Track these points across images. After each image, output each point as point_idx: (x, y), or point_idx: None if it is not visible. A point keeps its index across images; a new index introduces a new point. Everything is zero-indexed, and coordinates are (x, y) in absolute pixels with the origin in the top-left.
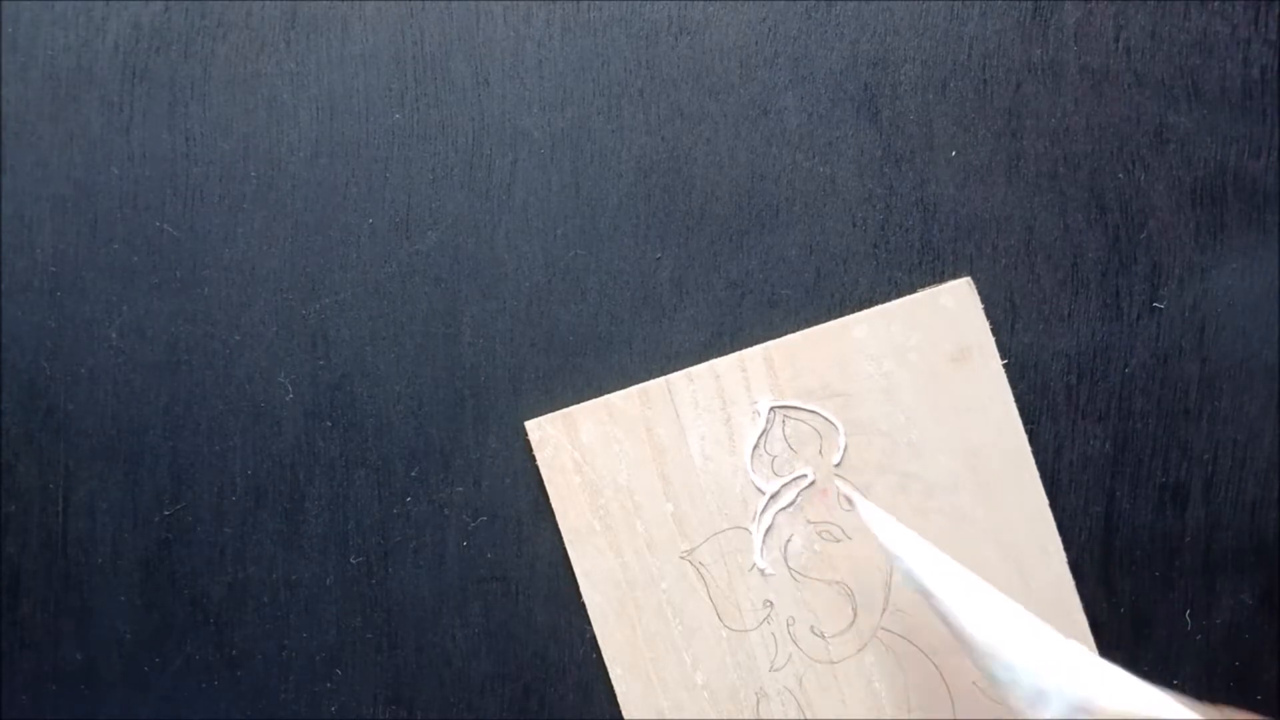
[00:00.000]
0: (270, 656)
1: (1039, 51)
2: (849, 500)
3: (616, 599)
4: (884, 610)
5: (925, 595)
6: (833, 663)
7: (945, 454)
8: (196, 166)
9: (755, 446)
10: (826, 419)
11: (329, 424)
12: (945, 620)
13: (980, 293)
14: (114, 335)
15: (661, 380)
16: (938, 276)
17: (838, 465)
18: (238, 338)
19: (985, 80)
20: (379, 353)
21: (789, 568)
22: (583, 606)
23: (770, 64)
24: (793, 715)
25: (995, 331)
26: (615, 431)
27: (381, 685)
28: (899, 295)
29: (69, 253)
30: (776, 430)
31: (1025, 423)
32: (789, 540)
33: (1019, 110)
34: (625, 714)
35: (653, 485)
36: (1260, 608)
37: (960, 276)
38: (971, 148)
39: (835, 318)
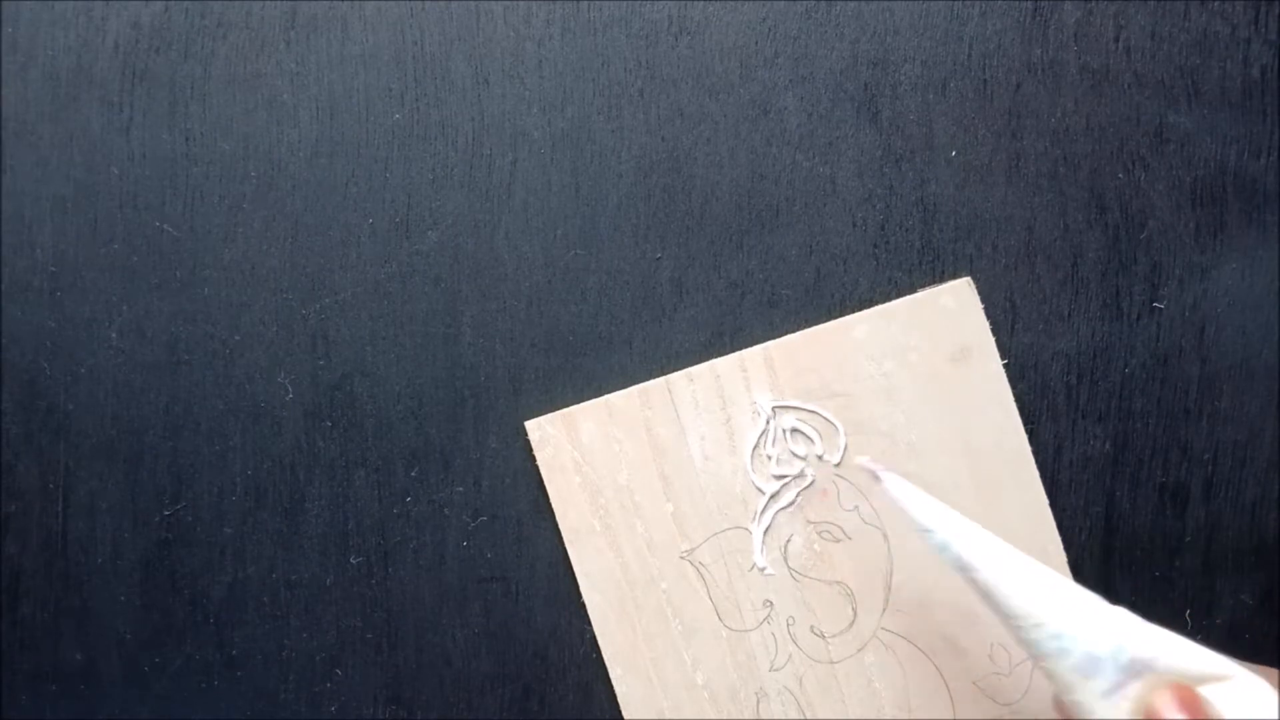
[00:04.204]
0: (270, 656)
1: (1039, 51)
2: (876, 476)
3: (616, 599)
4: (884, 610)
5: (963, 569)
6: (833, 663)
7: (945, 454)
8: (196, 166)
9: (755, 446)
10: (826, 419)
11: (329, 424)
12: (986, 593)
13: (980, 293)
14: (114, 335)
15: (661, 380)
16: (938, 276)
17: (837, 465)
18: (238, 338)
19: (985, 80)
20: (379, 353)
21: (789, 568)
22: (583, 606)
23: (770, 64)
24: (793, 715)
25: (995, 331)
26: (615, 431)
27: (381, 685)
28: (899, 295)
29: (69, 253)
30: (776, 430)
31: (1025, 423)
32: (789, 540)
33: (1019, 110)
34: (625, 714)
35: (653, 485)
36: (1260, 608)
37: (960, 276)
38: (971, 148)
39: (835, 318)
